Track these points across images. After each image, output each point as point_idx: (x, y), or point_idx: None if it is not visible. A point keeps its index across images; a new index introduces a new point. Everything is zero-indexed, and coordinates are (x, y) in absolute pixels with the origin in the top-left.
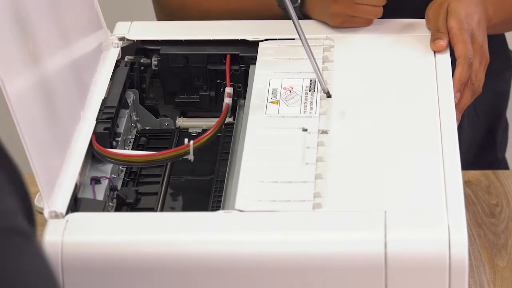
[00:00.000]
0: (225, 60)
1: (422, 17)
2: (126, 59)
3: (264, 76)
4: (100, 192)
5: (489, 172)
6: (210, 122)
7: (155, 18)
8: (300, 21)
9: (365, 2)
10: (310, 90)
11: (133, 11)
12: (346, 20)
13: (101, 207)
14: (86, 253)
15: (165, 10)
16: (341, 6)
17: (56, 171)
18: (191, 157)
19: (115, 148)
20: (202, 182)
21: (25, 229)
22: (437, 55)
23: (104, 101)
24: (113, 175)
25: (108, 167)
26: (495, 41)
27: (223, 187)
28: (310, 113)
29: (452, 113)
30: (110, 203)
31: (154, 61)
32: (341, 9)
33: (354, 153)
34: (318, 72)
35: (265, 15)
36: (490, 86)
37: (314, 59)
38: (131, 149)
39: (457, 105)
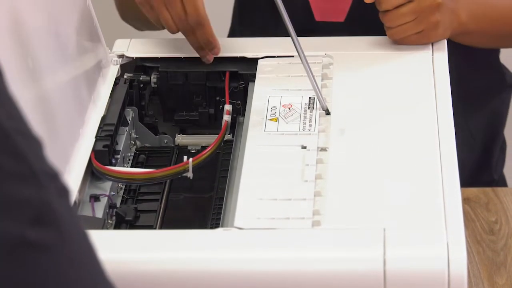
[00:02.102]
0: (224, 77)
1: None
2: (125, 77)
3: (263, 94)
4: (99, 210)
5: (488, 189)
6: (209, 140)
7: (154, 36)
8: (299, 38)
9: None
10: (309, 108)
11: (132, 28)
12: None
13: (100, 224)
14: None
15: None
16: None
17: None
18: (190, 174)
19: (114, 165)
20: (201, 200)
21: (36, 238)
22: (436, 73)
23: (103, 118)
24: (112, 193)
25: (107, 184)
26: (491, 60)
27: (222, 205)
28: (309, 130)
29: (451, 132)
30: (109, 221)
31: (153, 78)
32: None
33: (353, 171)
34: (317, 90)
35: None
36: (486, 106)
37: (313, 76)
38: (130, 167)
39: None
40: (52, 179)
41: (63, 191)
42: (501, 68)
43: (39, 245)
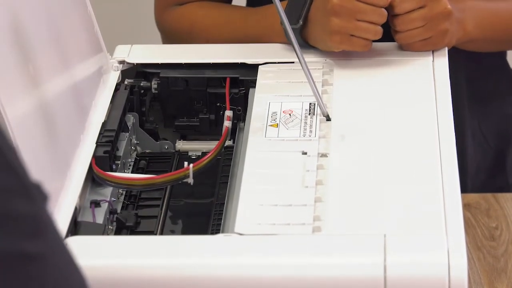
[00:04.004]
0: (225, 83)
1: None
2: (126, 82)
3: (263, 99)
4: (100, 216)
5: (488, 195)
6: (210, 145)
7: (155, 42)
8: (300, 44)
9: (365, 19)
10: (309, 114)
11: (133, 34)
12: (344, 39)
13: (101, 230)
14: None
15: (172, 39)
16: (341, 21)
17: (55, 194)
18: (190, 180)
19: (115, 171)
20: (202, 205)
21: (33, 250)
22: (436, 79)
23: (104, 124)
24: (112, 198)
25: (108, 190)
26: (500, 64)
27: (222, 210)
28: (310, 136)
29: (452, 138)
30: (109, 227)
31: (154, 84)
32: (341, 24)
33: (353, 177)
34: (318, 96)
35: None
36: (497, 109)
37: (314, 82)
38: (131, 172)
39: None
40: (38, 190)
41: (46, 199)
42: (510, 71)
43: (37, 256)
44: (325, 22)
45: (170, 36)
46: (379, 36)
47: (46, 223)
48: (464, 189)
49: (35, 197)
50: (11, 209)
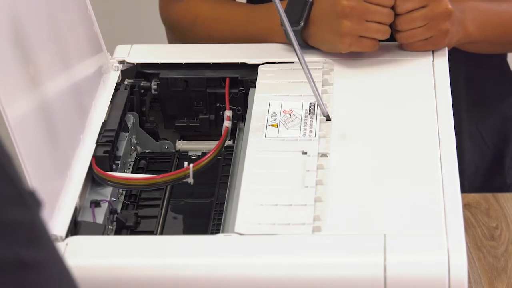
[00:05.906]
0: (225, 84)
1: None
2: (126, 82)
3: (263, 99)
4: (100, 215)
5: (488, 195)
6: (210, 145)
7: (155, 42)
8: (300, 45)
9: (375, 19)
10: (309, 113)
11: (133, 34)
12: (354, 41)
13: (101, 230)
14: (86, 276)
15: (175, 32)
16: (352, 23)
17: (56, 194)
18: (191, 180)
19: (115, 171)
20: (202, 205)
21: (29, 257)
22: (436, 78)
23: (104, 124)
24: (113, 198)
25: (108, 190)
26: (500, 65)
27: (222, 210)
28: (310, 136)
29: (452, 138)
30: (109, 226)
31: (154, 85)
32: (352, 26)
33: (353, 177)
34: (318, 95)
35: (270, 42)
36: (497, 111)
37: (314, 82)
38: (131, 172)
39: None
40: (33, 197)
41: (41, 206)
42: (510, 73)
43: (32, 264)
44: (335, 24)
45: (174, 29)
46: (387, 36)
47: (40, 230)
48: (462, 190)
49: (30, 204)
50: (6, 217)
